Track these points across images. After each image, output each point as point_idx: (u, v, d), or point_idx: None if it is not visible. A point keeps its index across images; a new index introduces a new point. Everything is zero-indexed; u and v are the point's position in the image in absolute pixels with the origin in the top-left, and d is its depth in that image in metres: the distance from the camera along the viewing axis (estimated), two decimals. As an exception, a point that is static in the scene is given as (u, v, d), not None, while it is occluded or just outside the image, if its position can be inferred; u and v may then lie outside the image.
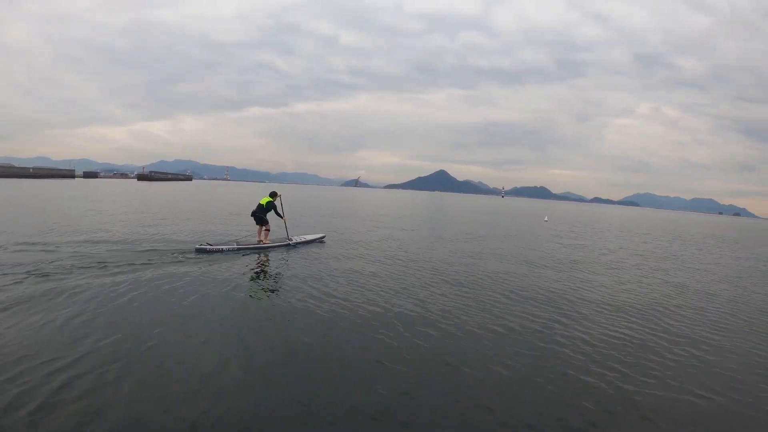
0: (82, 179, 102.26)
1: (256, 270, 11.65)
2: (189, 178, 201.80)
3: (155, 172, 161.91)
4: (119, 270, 10.20)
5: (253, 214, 14.97)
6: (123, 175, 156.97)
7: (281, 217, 15.28)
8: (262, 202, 14.96)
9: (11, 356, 5.47)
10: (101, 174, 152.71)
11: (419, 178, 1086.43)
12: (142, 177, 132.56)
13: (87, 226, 17.56)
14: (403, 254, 15.46)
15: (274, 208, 15.05)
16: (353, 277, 11.23)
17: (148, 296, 8.39)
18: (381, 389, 5.18)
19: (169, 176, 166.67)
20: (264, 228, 14.92)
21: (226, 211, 29.70)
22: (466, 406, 4.96)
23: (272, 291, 9.63)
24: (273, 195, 15.27)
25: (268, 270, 11.84)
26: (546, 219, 41.07)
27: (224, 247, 13.59)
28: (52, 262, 10.60)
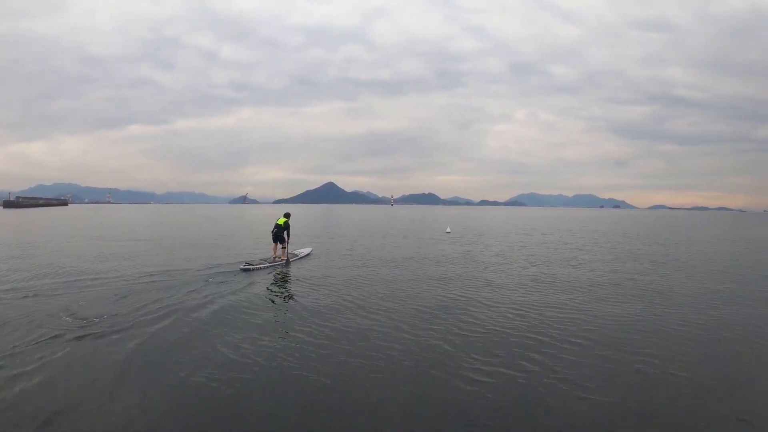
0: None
1: (291, 283, 12.52)
2: (65, 203, 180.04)
3: (26, 198, 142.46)
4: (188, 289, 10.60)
5: (273, 233, 15.51)
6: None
7: (288, 239, 15.86)
8: (279, 222, 15.56)
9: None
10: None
11: (307, 192, 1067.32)
12: (8, 204, 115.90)
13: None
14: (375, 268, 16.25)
15: (288, 228, 15.63)
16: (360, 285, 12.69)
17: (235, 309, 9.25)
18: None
19: (41, 201, 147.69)
20: (282, 246, 15.49)
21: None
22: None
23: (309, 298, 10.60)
24: (287, 216, 15.93)
25: (300, 281, 12.61)
26: (448, 230, 34.50)
27: (262, 265, 14.36)
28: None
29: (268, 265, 14.58)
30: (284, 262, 15.38)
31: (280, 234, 15.41)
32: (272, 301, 10.11)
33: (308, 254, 17.94)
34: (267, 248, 18.27)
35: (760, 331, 8.02)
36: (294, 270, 14.40)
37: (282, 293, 11.05)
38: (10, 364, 6.02)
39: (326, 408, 5.02)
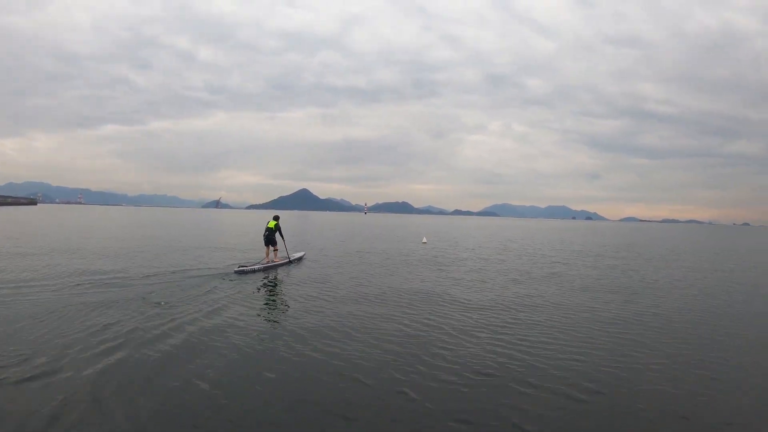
0: None
1: (284, 283, 13.09)
2: (33, 203, 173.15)
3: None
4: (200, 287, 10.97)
5: (265, 236, 15.90)
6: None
7: (283, 238, 16.44)
8: (270, 226, 15.99)
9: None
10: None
11: (281, 198, 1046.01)
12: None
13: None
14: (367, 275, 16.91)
15: (279, 229, 16.04)
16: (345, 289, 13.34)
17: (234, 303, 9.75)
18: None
19: (9, 200, 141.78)
20: (273, 249, 15.87)
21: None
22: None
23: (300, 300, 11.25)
24: (276, 218, 16.36)
25: (294, 282, 13.20)
26: (424, 241, 32.46)
27: (255, 267, 14.80)
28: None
29: (261, 267, 14.98)
30: (282, 262, 16.15)
31: (272, 237, 15.83)
32: (267, 304, 10.43)
33: (301, 258, 18.33)
34: (251, 251, 18.49)
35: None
36: (287, 272, 14.92)
37: (276, 296, 11.51)
38: None
39: (319, 411, 4.99)
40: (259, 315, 9.09)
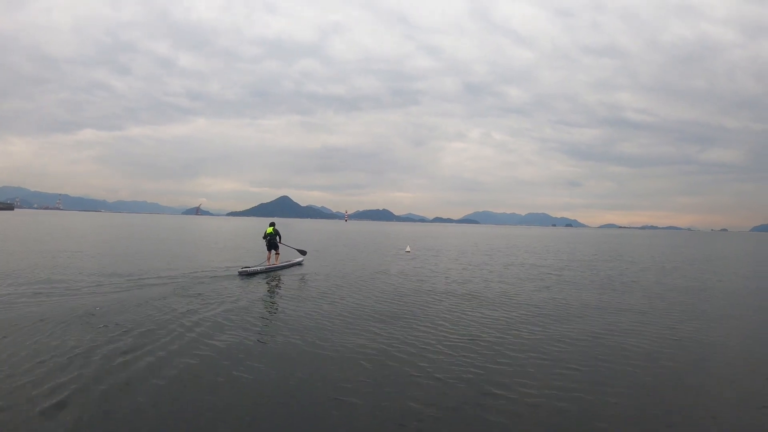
0: None
1: (283, 285, 14.08)
2: (10, 207, 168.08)
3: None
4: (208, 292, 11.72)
5: (267, 241, 16.94)
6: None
7: (280, 241, 17.19)
8: (269, 231, 17.02)
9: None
10: None
11: (261, 205, 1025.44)
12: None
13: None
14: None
15: (278, 234, 16.99)
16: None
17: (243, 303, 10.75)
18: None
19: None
20: (275, 252, 16.85)
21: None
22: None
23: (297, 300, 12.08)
24: (273, 224, 17.40)
25: (295, 284, 14.16)
26: (408, 249, 30.26)
27: (258, 268, 15.75)
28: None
29: (263, 269, 15.91)
30: (281, 265, 16.99)
31: (273, 241, 16.82)
32: (270, 303, 10.97)
33: (300, 262, 19.17)
34: (246, 257, 19.05)
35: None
36: (287, 275, 15.79)
37: (277, 296, 12.15)
38: None
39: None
40: (272, 306, 9.75)
